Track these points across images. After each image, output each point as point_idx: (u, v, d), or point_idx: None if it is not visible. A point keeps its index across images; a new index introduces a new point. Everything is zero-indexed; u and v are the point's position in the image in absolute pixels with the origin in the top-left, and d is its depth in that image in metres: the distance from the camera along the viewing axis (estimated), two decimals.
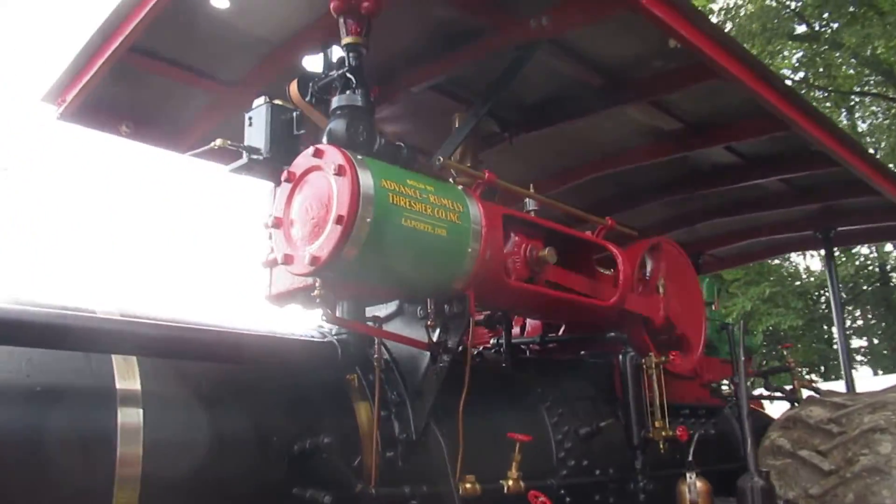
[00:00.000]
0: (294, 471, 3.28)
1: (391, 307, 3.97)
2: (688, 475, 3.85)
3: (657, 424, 4.62)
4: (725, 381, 6.52)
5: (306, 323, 3.90)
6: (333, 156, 3.15)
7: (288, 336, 3.42)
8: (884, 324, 27.64)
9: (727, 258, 10.06)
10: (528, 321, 5.71)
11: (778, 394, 6.86)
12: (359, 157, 3.19)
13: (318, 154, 3.21)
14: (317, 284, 3.20)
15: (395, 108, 5.63)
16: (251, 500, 3.15)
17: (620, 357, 4.85)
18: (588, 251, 4.73)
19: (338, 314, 3.50)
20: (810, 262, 27.96)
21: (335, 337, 3.48)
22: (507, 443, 3.97)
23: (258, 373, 3.34)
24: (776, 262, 29.26)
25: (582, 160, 6.88)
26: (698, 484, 3.83)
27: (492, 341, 5.70)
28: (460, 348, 3.93)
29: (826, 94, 23.98)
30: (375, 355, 3.62)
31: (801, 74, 23.50)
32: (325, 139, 3.54)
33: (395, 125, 5.77)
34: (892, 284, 27.71)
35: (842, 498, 4.93)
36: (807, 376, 6.80)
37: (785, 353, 7.10)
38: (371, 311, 3.94)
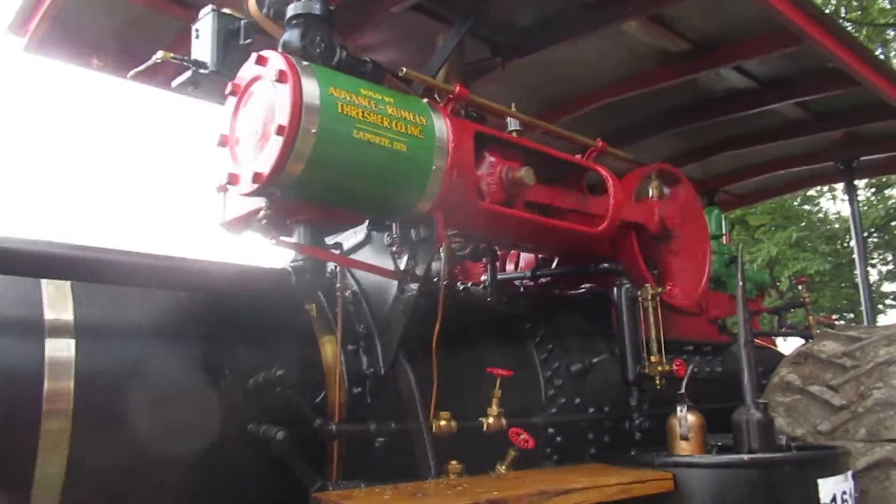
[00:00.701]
0: (249, 407, 3.08)
1: (359, 235, 3.71)
2: (678, 408, 3.58)
3: (653, 359, 4.34)
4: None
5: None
6: (275, 62, 2.86)
7: (236, 263, 3.18)
8: None
9: (745, 195, 9.64)
10: (523, 256, 5.45)
11: (791, 330, 6.53)
12: (305, 63, 2.89)
13: (260, 62, 2.92)
14: (264, 205, 2.94)
15: (379, 34, 5.29)
16: (201, 438, 2.95)
17: (615, 289, 4.55)
18: (578, 176, 4.41)
19: (297, 239, 3.25)
20: (840, 206, 27.18)
21: (291, 264, 3.23)
22: (488, 379, 3.75)
23: (207, 301, 3.12)
24: (805, 206, 28.54)
25: (583, 89, 6.49)
26: (690, 418, 3.57)
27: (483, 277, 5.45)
28: (436, 279, 3.68)
29: (858, 29, 22.92)
30: (338, 284, 3.38)
31: (831, 7, 22.42)
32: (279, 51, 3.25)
33: (379, 52, 5.43)
34: None
35: (853, 433, 4.64)
36: (822, 314, 6.46)
37: (800, 287, 6.73)
38: (338, 240, 3.70)
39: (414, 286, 3.37)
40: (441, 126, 3.24)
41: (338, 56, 3.29)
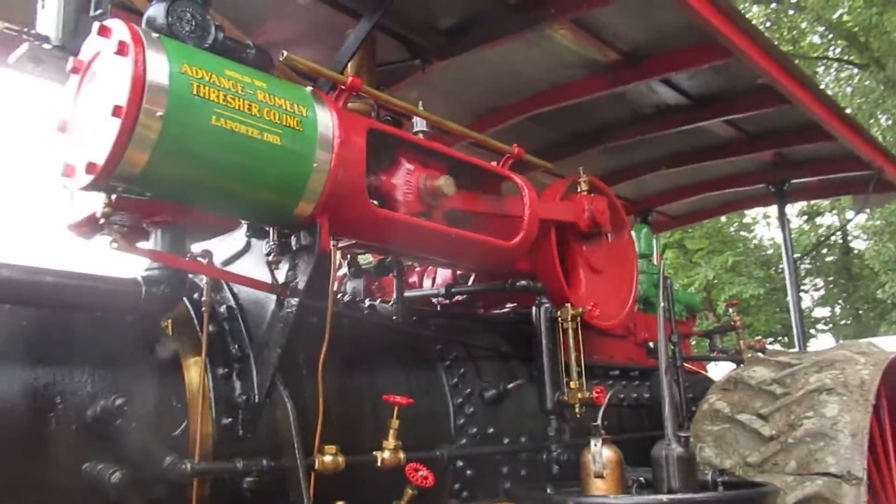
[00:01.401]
0: (87, 443, 2.58)
1: (239, 242, 3.26)
2: (592, 442, 3.22)
3: (573, 385, 3.99)
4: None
5: None
6: (118, 32, 2.41)
7: (75, 271, 2.68)
8: (844, 294, 27.63)
9: (679, 216, 9.49)
10: (441, 272, 5.07)
11: (722, 355, 6.29)
12: (155, 35, 2.45)
13: (103, 33, 2.47)
14: (103, 203, 2.48)
15: (287, 27, 4.88)
16: (25, 481, 2.44)
17: (533, 309, 4.20)
18: (496, 185, 4.06)
19: (153, 245, 2.79)
20: (775, 232, 27.80)
21: (143, 274, 2.76)
22: (389, 408, 3.33)
23: (37, 317, 2.62)
24: (742, 232, 29.12)
25: (510, 99, 6.19)
26: (605, 452, 3.20)
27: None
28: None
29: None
30: (204, 297, 2.92)
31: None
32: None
33: (291, 49, 5.01)
34: (853, 254, 27.66)
35: (782, 466, 4.36)
36: (755, 338, 6.24)
37: (731, 310, 6.52)
38: (219, 247, 3.25)
39: (294, 301, 2.93)
40: (326, 118, 2.84)
41: (212, 37, 2.86)
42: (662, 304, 3.52)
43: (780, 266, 26.10)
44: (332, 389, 3.40)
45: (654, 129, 6.65)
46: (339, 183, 2.87)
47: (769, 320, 25.69)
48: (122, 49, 2.33)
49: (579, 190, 4.60)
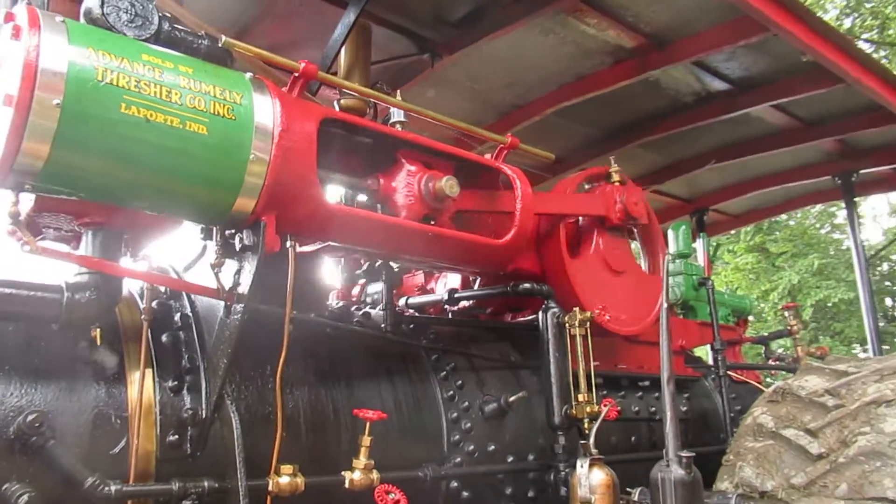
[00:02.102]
0: (12, 462, 2.40)
1: (199, 246, 3.05)
2: (578, 464, 2.83)
3: (581, 398, 3.60)
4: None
5: None
6: (19, 17, 2.23)
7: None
8: None
9: (739, 215, 8.84)
10: (452, 277, 4.76)
11: (777, 363, 5.71)
12: (59, 19, 2.27)
13: (8, 18, 2.30)
14: (12, 201, 2.30)
15: (278, 21, 4.69)
16: None
17: (540, 314, 3.84)
18: (492, 181, 3.73)
19: (84, 249, 2.60)
20: (869, 232, 26.04)
21: (71, 279, 2.57)
22: (374, 425, 3.05)
23: None
24: (835, 234, 27.42)
25: (533, 93, 5.84)
26: (596, 476, 2.81)
27: (401, 301, 4.76)
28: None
29: (876, 49, 22.10)
30: (143, 304, 2.72)
31: (841, 23, 21.64)
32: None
33: (287, 49, 4.84)
34: None
35: (832, 489, 3.81)
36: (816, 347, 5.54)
37: (787, 314, 5.91)
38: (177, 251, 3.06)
39: (239, 307, 2.69)
40: (265, 106, 2.59)
41: (154, 26, 2.66)
42: (664, 305, 3.09)
43: (877, 268, 24.47)
44: (304, 404, 3.16)
45: (695, 119, 6.14)
46: (284, 176, 2.62)
47: (861, 326, 23.99)
48: (16, 33, 2.15)
49: (612, 181, 4.24)
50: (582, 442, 3.02)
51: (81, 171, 2.27)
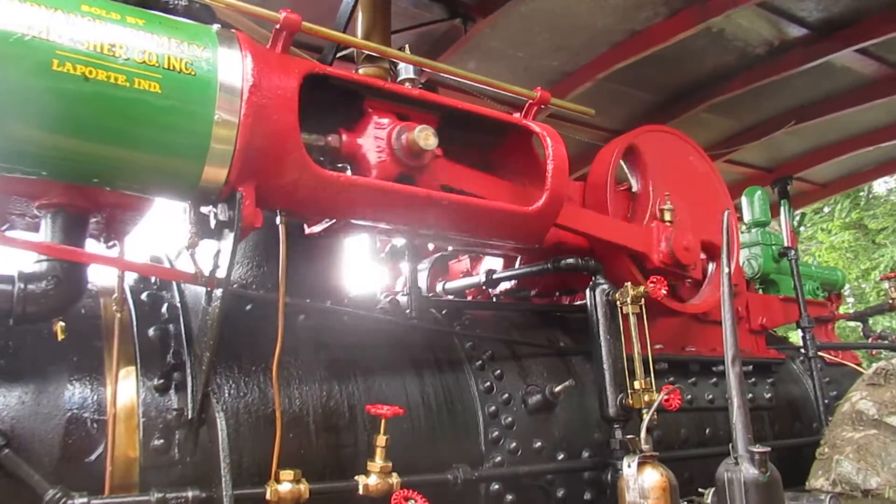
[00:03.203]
0: None
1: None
2: (625, 463, 2.36)
3: (638, 385, 3.11)
4: None
5: None
6: None
7: None
8: None
9: (827, 183, 8.02)
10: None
11: (879, 342, 5.00)
12: None
13: None
14: None
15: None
16: None
17: (588, 292, 3.38)
18: (523, 144, 3.28)
19: (44, 234, 2.33)
20: None
21: (31, 268, 2.29)
22: (392, 422, 2.68)
23: None
24: None
25: (583, 56, 5.35)
26: (649, 477, 2.34)
27: (438, 287, 4.38)
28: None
29: None
30: (115, 295, 2.43)
31: None
32: None
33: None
34: None
35: None
36: None
37: (887, 285, 5.18)
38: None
39: (219, 293, 2.36)
40: (232, 61, 2.24)
41: None
42: (727, 277, 2.57)
43: None
44: (314, 402, 2.81)
45: (769, 74, 5.51)
46: (258, 139, 2.27)
47: None
48: None
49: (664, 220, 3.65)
50: (629, 437, 2.55)
51: (15, 141, 1.98)
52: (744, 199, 5.47)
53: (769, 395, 4.24)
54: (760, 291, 4.98)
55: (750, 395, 4.16)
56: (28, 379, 2.34)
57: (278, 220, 2.54)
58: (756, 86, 5.60)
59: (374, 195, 2.58)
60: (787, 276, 4.78)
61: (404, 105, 2.79)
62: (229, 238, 2.32)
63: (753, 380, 4.24)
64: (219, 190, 2.29)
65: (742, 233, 5.18)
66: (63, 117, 1.99)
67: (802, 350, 4.56)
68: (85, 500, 2.14)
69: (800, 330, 4.42)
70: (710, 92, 5.78)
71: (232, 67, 2.25)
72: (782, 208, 5.56)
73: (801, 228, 16.15)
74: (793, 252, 4.54)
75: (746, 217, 5.37)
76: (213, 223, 2.36)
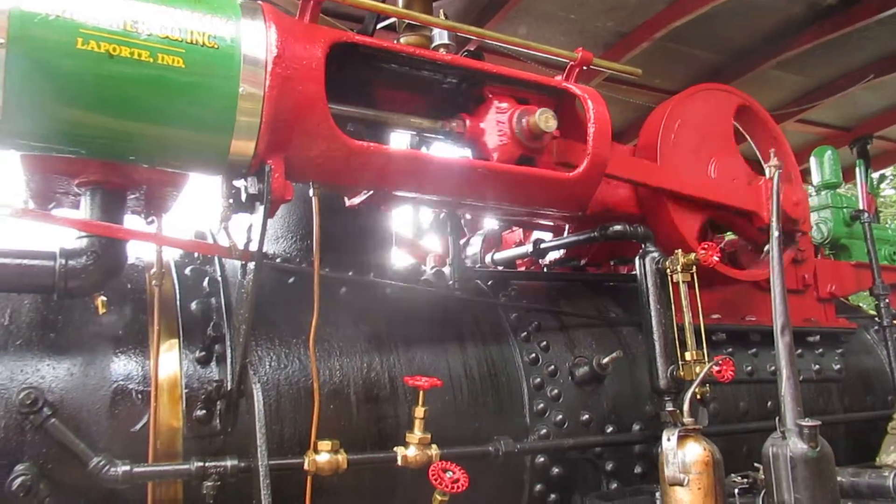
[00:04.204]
0: (20, 442, 2.26)
1: None
2: (665, 437, 2.27)
3: (689, 357, 2.99)
4: None
5: None
6: None
7: None
8: None
9: None
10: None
11: None
12: None
13: None
14: None
15: None
16: None
17: (637, 261, 3.26)
18: (567, 108, 3.16)
19: (84, 211, 2.39)
20: None
21: (72, 244, 2.36)
22: (432, 394, 2.68)
23: None
24: None
25: (638, 16, 5.13)
26: (692, 451, 2.24)
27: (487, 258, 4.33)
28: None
29: None
30: (154, 270, 2.48)
31: None
32: None
33: None
34: None
35: None
36: None
37: None
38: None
39: (251, 266, 2.38)
40: (256, 31, 2.23)
41: None
42: (775, 220, 2.41)
43: None
44: (355, 374, 2.82)
45: (843, 25, 5.15)
46: (285, 111, 2.26)
47: None
48: None
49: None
50: (669, 409, 2.46)
51: (45, 121, 2.03)
52: (812, 160, 5.17)
53: (838, 366, 4.03)
54: (831, 257, 4.72)
55: (817, 367, 3.97)
56: (76, 352, 2.42)
57: (311, 192, 2.54)
58: (828, 38, 5.25)
59: (406, 164, 2.54)
60: (859, 240, 4.51)
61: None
62: (261, 211, 2.33)
63: (821, 350, 4.03)
64: (248, 163, 2.29)
65: (810, 196, 4.91)
66: (90, 95, 2.02)
67: (876, 319, 4.31)
68: (127, 467, 2.21)
69: (873, 297, 4.17)
70: (777, 47, 5.46)
71: (256, 39, 2.24)
72: (858, 169, 5.23)
73: (887, 190, 15.25)
74: (866, 215, 4.28)
75: (815, 179, 5.09)
76: (244, 197, 2.36)
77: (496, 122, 2.79)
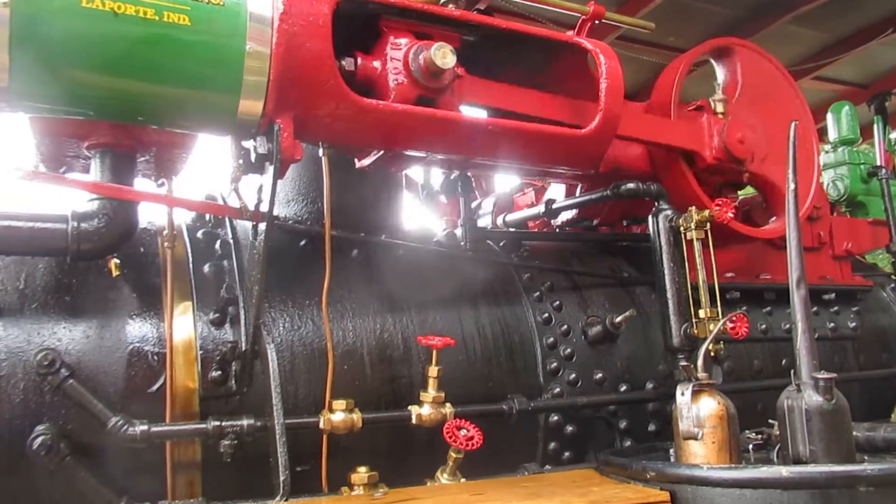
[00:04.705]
0: (40, 403, 2.29)
1: None
2: (679, 391, 2.27)
3: (703, 314, 2.98)
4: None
5: None
6: None
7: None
8: None
9: None
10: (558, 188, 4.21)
11: None
12: None
13: None
14: None
15: None
16: None
17: (650, 219, 3.23)
18: (577, 64, 3.11)
19: (94, 174, 2.39)
20: None
21: (83, 207, 2.36)
22: (445, 353, 2.69)
23: None
24: None
25: None
26: (706, 405, 2.24)
27: (500, 220, 4.30)
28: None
29: None
30: (166, 231, 2.48)
31: None
32: None
33: None
34: None
35: None
36: None
37: None
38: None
39: (262, 227, 2.37)
40: None
41: None
42: (791, 175, 2.38)
43: None
44: (368, 334, 2.83)
45: None
46: (292, 69, 2.23)
47: None
48: None
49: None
50: (683, 364, 2.45)
51: (51, 81, 2.01)
52: (829, 116, 5.08)
53: (854, 324, 4.00)
54: (847, 215, 4.67)
55: (832, 325, 3.95)
56: (91, 315, 2.44)
57: (321, 152, 2.52)
58: None
59: (416, 122, 2.50)
60: (877, 197, 4.45)
61: (425, 23, 2.63)
62: (270, 171, 2.32)
63: (836, 308, 4.00)
64: (256, 123, 2.27)
65: (827, 152, 4.84)
66: (96, 54, 2.01)
67: (892, 277, 4.27)
68: (145, 427, 2.24)
69: (890, 255, 4.13)
70: (794, 2, 5.34)
71: None
72: (875, 125, 5.14)
73: None
74: (884, 171, 4.22)
75: (832, 135, 5.00)
76: (253, 157, 2.35)
77: (391, 60, 2.50)
